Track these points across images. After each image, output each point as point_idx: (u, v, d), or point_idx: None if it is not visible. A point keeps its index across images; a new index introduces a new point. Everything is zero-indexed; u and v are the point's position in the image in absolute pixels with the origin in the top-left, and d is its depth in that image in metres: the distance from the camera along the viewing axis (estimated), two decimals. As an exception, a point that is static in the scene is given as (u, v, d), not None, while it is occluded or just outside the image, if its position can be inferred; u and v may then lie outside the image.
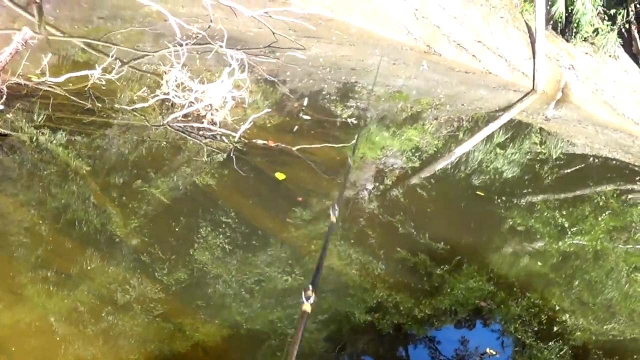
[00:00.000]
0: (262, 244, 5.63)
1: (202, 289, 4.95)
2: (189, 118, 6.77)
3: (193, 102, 6.70)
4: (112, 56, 6.97)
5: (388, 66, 11.86)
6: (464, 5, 13.67)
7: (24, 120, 5.96)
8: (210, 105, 6.77)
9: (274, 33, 9.82)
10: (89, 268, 4.75)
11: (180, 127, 6.68)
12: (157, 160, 6.30)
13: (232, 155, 6.69)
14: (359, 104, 9.25)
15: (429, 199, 7.54)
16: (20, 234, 4.84)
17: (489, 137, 9.85)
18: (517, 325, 5.76)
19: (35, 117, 6.07)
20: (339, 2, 12.63)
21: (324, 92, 9.23)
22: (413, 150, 8.44)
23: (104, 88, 6.71)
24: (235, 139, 6.73)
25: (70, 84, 6.55)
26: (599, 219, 8.42)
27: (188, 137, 6.69)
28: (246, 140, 6.87)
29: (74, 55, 7.39)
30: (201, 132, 6.73)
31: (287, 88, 8.75)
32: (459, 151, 9.05)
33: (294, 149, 7.01)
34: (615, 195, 9.25)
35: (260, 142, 6.92)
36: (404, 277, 5.96)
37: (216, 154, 6.65)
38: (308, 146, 7.16)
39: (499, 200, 8.00)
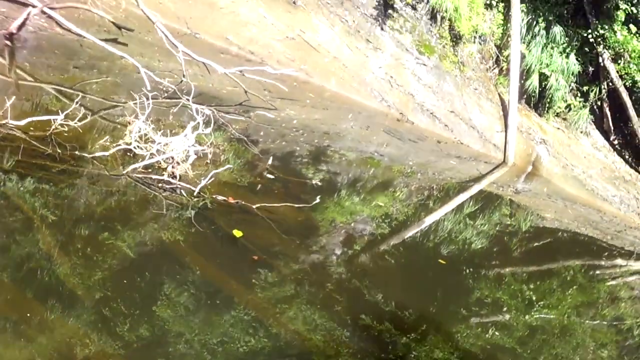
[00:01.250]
0: (215, 303, 5.51)
1: (164, 347, 4.79)
2: (150, 170, 6.66)
3: (155, 154, 6.63)
4: (76, 102, 6.90)
5: (360, 132, 11.90)
6: (438, 75, 13.85)
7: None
8: (172, 158, 6.71)
9: (246, 92, 9.80)
10: (48, 320, 4.59)
11: (139, 178, 6.57)
12: (114, 212, 6.18)
13: (190, 209, 6.59)
14: (329, 167, 9.23)
15: (397, 266, 7.47)
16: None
17: (459, 207, 9.86)
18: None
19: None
20: (315, 66, 12.72)
21: (295, 154, 9.19)
22: (383, 217, 8.39)
23: (66, 135, 6.59)
24: (195, 193, 6.64)
25: (32, 129, 6.43)
26: (567, 293, 8.41)
27: (147, 189, 6.57)
28: (206, 196, 6.77)
29: (41, 101, 7.30)
30: (160, 185, 6.61)
31: (258, 148, 8.70)
32: (428, 220, 9.02)
33: (254, 206, 6.90)
34: (582, 271, 9.27)
35: (220, 198, 6.81)
36: (369, 345, 5.84)
37: (175, 208, 6.55)
38: (268, 205, 7.06)
39: (468, 271, 7.95)
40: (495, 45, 14.62)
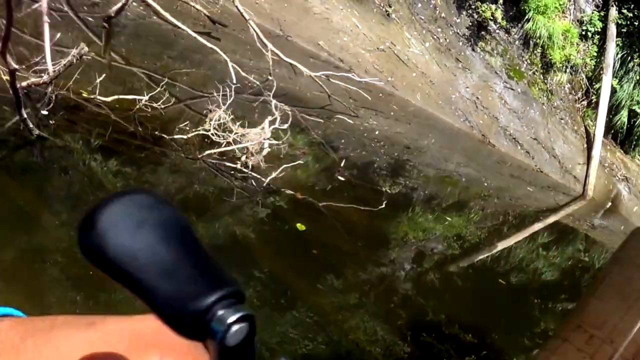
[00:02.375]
0: (279, 302, 5.58)
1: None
2: (224, 157, 6.80)
3: (230, 143, 6.74)
4: (161, 86, 7.09)
5: (441, 149, 11.87)
6: (525, 101, 13.70)
7: (67, 130, 6.10)
8: (247, 148, 6.83)
9: (329, 96, 9.94)
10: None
11: (213, 163, 6.71)
12: (186, 193, 6.35)
13: (259, 199, 6.72)
14: (406, 181, 9.24)
15: (464, 289, 7.43)
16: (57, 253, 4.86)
17: (533, 236, 9.72)
18: None
19: (76, 128, 6.20)
20: (402, 80, 12.73)
21: (374, 164, 9.24)
22: (455, 238, 8.36)
23: (149, 116, 6.75)
24: (264, 184, 6.74)
25: (117, 106, 6.62)
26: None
27: (220, 175, 6.71)
28: (274, 188, 6.88)
29: (129, 84, 7.50)
30: (232, 173, 6.74)
31: (338, 154, 8.78)
32: (500, 245, 8.93)
33: (320, 204, 7.02)
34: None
35: (288, 192, 6.96)
36: (428, 364, 5.84)
37: (244, 196, 6.68)
38: (334, 204, 7.17)
39: (535, 301, 7.85)
40: (586, 77, 14.38)
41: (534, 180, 12.87)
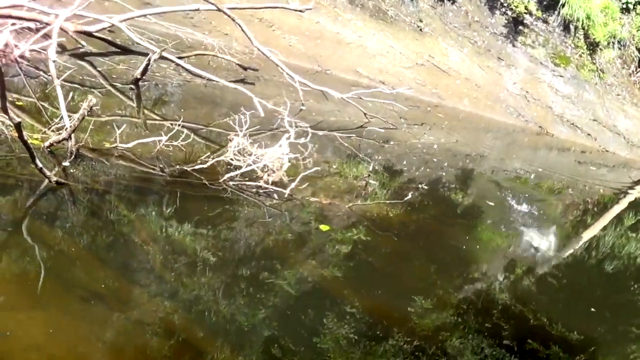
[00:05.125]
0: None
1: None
2: (246, 178, 6.90)
3: (250, 164, 6.90)
4: (178, 125, 7.26)
5: (502, 150, 11.65)
6: (577, 85, 13.42)
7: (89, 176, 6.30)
8: (266, 166, 6.96)
9: (365, 114, 10.00)
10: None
11: (236, 185, 6.79)
12: (210, 214, 6.37)
13: (283, 210, 6.80)
14: (476, 190, 9.05)
15: (560, 288, 7.17)
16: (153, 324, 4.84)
17: (618, 219, 9.37)
18: None
19: (98, 173, 6.40)
20: (447, 89, 12.60)
21: (442, 180, 9.09)
22: (538, 236, 8.11)
23: (171, 154, 6.94)
24: (286, 195, 6.86)
25: (139, 150, 6.83)
26: None
27: (242, 194, 6.77)
28: (299, 198, 6.98)
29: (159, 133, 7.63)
30: (255, 190, 6.86)
31: (403, 177, 8.66)
32: (586, 235, 8.65)
33: (346, 206, 7.11)
34: None
35: (313, 199, 7.05)
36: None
37: (268, 209, 6.72)
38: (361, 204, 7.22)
39: (636, 287, 7.54)
40: (636, 49, 14.01)
41: (603, 162, 12.55)
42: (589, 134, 13.10)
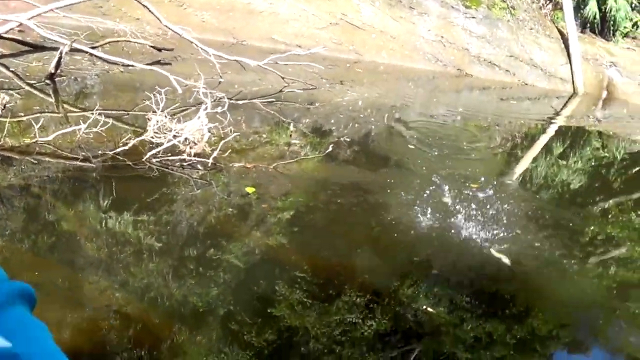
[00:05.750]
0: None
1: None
2: (169, 154, 6.89)
3: (171, 139, 6.88)
4: (97, 113, 7.13)
5: (424, 97, 11.73)
6: (490, 24, 13.59)
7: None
8: (188, 139, 6.95)
9: (283, 78, 9.98)
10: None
11: (159, 161, 6.77)
12: (136, 192, 6.34)
13: (209, 180, 6.78)
14: (406, 139, 9.08)
15: (498, 219, 7.27)
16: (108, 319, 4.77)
17: (547, 150, 9.52)
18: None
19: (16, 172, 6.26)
20: (364, 44, 12.60)
21: (372, 134, 9.09)
22: (471, 177, 8.20)
23: (92, 142, 6.86)
24: (209, 164, 6.87)
25: (60, 141, 6.76)
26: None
27: (168, 169, 6.76)
28: (223, 166, 7.00)
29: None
30: (179, 163, 6.86)
31: (333, 136, 8.63)
32: (519, 169, 8.79)
33: (270, 167, 7.16)
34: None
35: (237, 164, 7.07)
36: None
37: (196, 180, 6.73)
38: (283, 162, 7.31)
39: (575, 211, 7.71)
40: (543, -18, 14.25)
41: (524, 95, 12.77)
42: (507, 70, 13.28)
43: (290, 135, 8.16)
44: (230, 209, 6.58)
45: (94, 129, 6.84)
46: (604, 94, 13.31)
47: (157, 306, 5.13)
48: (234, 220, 6.42)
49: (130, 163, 6.61)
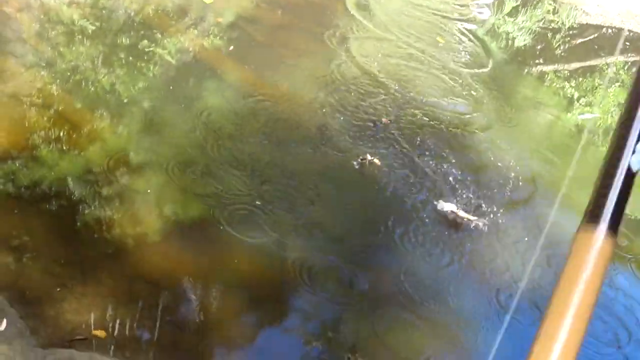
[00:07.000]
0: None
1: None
2: None
3: None
4: None
5: None
6: None
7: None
8: None
9: None
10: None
11: None
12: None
13: None
14: None
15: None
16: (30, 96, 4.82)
17: (499, 5, 9.39)
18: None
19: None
20: None
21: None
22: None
23: None
24: None
25: None
26: (609, 91, 8.23)
27: None
28: None
29: None
30: None
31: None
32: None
33: None
34: (625, 68, 8.98)
35: None
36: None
37: None
38: None
39: (511, 68, 7.84)
40: None
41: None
42: None
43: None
44: (171, 3, 6.50)
45: None
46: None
47: (81, 90, 5.17)
48: (172, 15, 6.36)
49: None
